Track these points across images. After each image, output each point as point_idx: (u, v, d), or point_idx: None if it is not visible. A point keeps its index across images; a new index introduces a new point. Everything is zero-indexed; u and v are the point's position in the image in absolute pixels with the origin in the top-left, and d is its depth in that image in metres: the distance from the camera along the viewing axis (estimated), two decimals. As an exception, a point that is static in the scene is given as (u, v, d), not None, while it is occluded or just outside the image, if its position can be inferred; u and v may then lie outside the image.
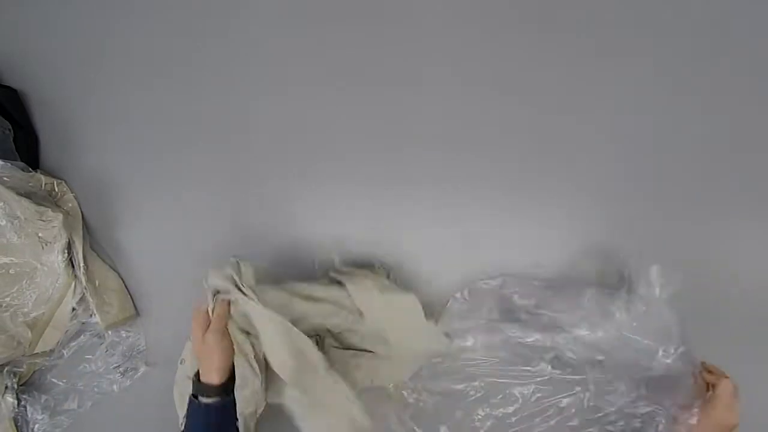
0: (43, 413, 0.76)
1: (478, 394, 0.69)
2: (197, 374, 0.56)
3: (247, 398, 0.62)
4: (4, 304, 0.70)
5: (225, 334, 0.57)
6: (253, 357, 0.62)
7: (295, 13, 0.74)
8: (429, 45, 0.71)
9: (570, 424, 0.66)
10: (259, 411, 0.65)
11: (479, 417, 0.68)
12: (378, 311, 0.61)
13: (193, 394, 0.55)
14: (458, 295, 0.69)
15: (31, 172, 0.74)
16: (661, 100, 0.67)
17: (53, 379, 0.78)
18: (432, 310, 0.69)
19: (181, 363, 0.74)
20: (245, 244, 0.75)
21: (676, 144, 0.67)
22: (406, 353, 0.67)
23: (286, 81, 0.74)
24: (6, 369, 0.75)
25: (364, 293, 0.61)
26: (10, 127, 0.74)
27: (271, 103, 0.75)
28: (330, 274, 0.65)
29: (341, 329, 0.65)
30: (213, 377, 0.55)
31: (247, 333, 0.63)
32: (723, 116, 0.66)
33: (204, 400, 0.55)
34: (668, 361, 0.59)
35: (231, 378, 0.57)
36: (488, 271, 0.70)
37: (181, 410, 0.72)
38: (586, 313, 0.61)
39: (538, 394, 0.67)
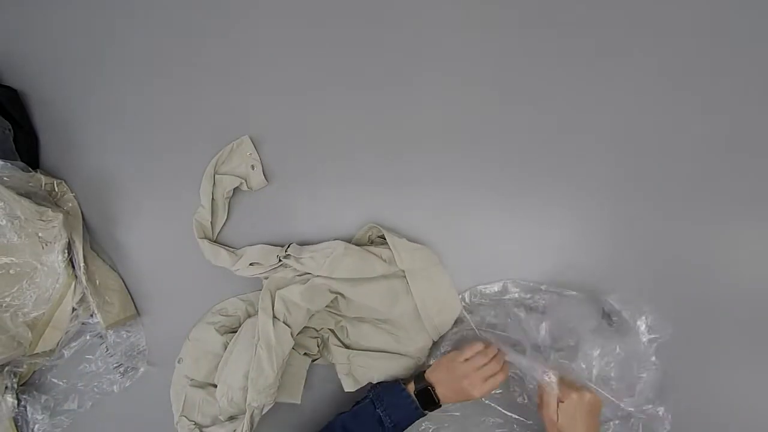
0: (43, 413, 0.76)
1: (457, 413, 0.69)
2: (432, 388, 0.60)
3: (258, 391, 0.62)
4: (4, 304, 0.70)
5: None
6: (273, 350, 0.63)
7: (295, 14, 0.74)
8: (429, 45, 0.71)
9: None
10: (266, 408, 0.65)
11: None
12: (406, 256, 0.67)
13: (419, 404, 0.60)
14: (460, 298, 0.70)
15: (31, 172, 0.74)
16: (662, 101, 0.67)
17: (53, 379, 0.78)
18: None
19: (179, 362, 0.75)
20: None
21: (677, 144, 0.67)
22: (413, 325, 0.68)
23: (286, 81, 0.74)
24: (6, 369, 0.75)
25: (396, 239, 0.68)
26: (10, 127, 0.74)
27: (271, 104, 0.75)
28: (372, 227, 0.71)
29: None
30: (448, 400, 0.60)
31: (276, 319, 0.64)
32: (723, 116, 0.66)
33: (425, 411, 0.60)
34: (631, 408, 0.59)
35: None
36: (488, 270, 0.70)
37: (177, 410, 0.72)
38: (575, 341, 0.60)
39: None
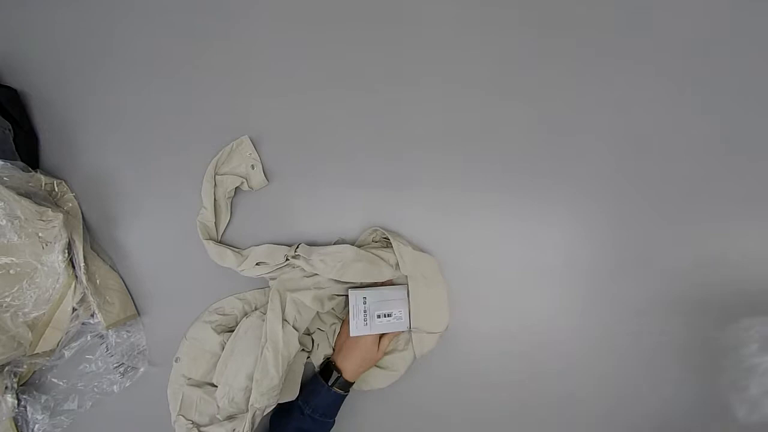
0: (43, 413, 0.76)
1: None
2: (338, 369, 0.66)
3: (262, 393, 0.62)
4: (4, 305, 0.70)
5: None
6: (280, 353, 0.63)
7: (295, 15, 0.74)
8: (429, 46, 0.71)
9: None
10: (268, 410, 0.65)
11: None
12: (409, 262, 0.68)
13: (331, 384, 0.66)
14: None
15: (31, 172, 0.74)
16: (661, 101, 0.67)
17: (53, 380, 0.78)
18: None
19: (176, 361, 0.75)
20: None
21: (676, 144, 0.67)
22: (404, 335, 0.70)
23: (286, 82, 0.74)
24: (6, 369, 0.75)
25: (402, 246, 0.68)
26: (10, 127, 0.74)
27: (271, 104, 0.75)
28: (376, 230, 0.72)
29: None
30: (354, 376, 0.66)
31: (285, 322, 0.65)
32: (723, 117, 0.66)
33: (341, 391, 0.66)
34: None
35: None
36: (488, 270, 0.70)
37: (174, 409, 0.72)
38: None
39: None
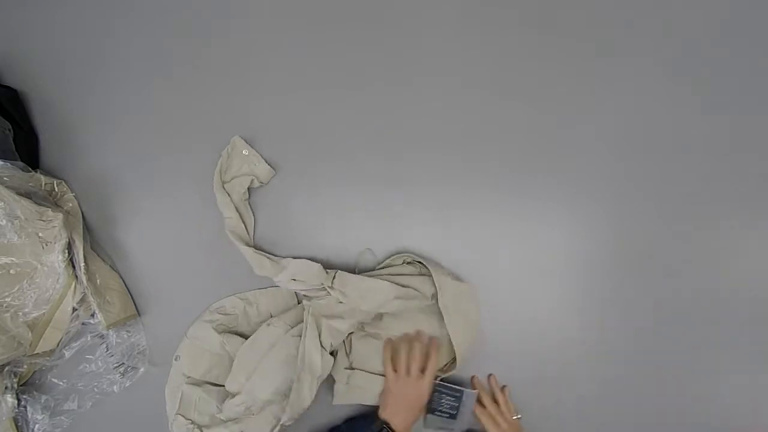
0: (43, 413, 0.76)
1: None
2: (387, 425, 0.60)
3: (294, 411, 0.63)
4: (4, 305, 0.70)
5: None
6: (316, 378, 0.64)
7: (295, 15, 0.74)
8: (429, 46, 0.71)
9: None
10: (289, 422, 0.65)
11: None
12: (449, 296, 0.67)
13: None
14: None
15: (31, 172, 0.74)
16: (662, 101, 0.67)
17: (53, 380, 0.78)
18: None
19: (175, 360, 0.75)
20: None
21: (677, 144, 0.67)
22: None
23: (286, 81, 0.74)
24: (6, 369, 0.75)
25: (441, 276, 0.68)
26: (10, 127, 0.74)
27: (272, 104, 0.75)
28: (411, 259, 0.71)
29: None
30: (408, 422, 0.60)
31: (323, 349, 0.65)
32: (723, 117, 0.66)
33: None
34: None
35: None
36: (487, 269, 0.70)
37: (173, 407, 0.72)
38: None
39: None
